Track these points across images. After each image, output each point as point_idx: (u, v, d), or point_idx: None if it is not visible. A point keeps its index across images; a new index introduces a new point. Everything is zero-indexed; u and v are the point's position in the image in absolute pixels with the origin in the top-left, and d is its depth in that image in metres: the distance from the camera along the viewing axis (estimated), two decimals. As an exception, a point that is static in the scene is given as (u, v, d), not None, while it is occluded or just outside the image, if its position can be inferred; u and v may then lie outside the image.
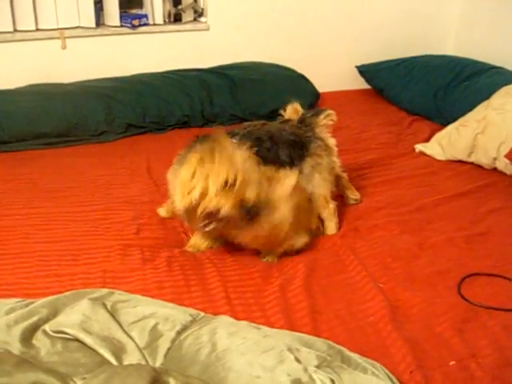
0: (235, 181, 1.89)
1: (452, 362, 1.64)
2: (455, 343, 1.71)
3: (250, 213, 1.95)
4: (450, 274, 2.05)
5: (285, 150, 2.22)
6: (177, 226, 2.34)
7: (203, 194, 1.90)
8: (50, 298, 1.70)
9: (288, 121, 2.44)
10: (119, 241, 2.22)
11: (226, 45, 3.77)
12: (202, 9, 3.78)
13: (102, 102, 3.24)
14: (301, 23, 3.89)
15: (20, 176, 2.75)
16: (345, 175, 2.55)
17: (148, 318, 1.61)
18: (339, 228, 2.36)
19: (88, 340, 1.51)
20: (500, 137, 2.76)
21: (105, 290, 1.76)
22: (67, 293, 1.74)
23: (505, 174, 2.78)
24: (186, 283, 2.00)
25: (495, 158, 2.79)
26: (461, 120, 3.05)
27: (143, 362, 1.48)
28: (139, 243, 2.22)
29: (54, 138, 3.11)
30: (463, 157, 2.93)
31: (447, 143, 2.99)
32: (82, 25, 3.52)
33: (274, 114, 3.31)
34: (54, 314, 1.62)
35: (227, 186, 1.89)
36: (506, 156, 2.71)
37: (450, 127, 3.08)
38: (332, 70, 4.01)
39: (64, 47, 3.50)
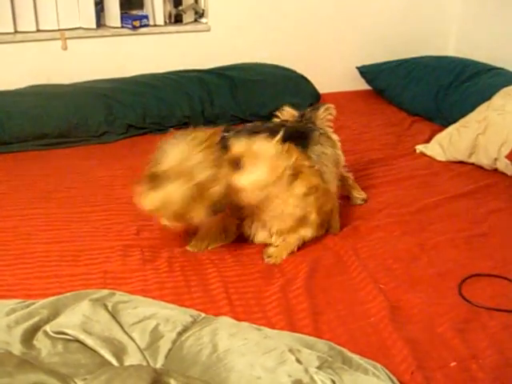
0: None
1: (453, 363, 1.64)
2: (456, 344, 1.71)
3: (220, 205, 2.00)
4: (450, 275, 2.05)
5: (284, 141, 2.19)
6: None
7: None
8: (50, 298, 1.70)
9: (288, 120, 2.45)
10: (120, 241, 2.23)
11: (226, 46, 3.77)
12: (203, 10, 3.78)
13: (103, 103, 3.24)
14: (301, 24, 3.89)
15: (20, 177, 2.75)
16: (350, 175, 2.55)
17: (149, 318, 1.61)
18: (340, 228, 2.35)
19: (89, 341, 1.51)
20: (501, 137, 2.76)
21: (105, 291, 1.76)
22: (68, 294, 1.74)
23: (505, 175, 2.78)
24: (187, 284, 2.00)
25: (496, 159, 2.79)
26: (461, 121, 3.04)
27: (144, 363, 1.48)
28: (140, 244, 2.22)
29: (54, 138, 3.11)
30: (464, 157, 2.93)
31: (448, 144, 2.99)
32: (82, 26, 3.52)
33: (274, 115, 3.33)
34: (54, 314, 1.62)
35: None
36: (507, 157, 2.71)
37: (450, 128, 3.08)
38: (332, 71, 4.01)
39: (65, 48, 3.50)
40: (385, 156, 3.04)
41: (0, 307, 1.65)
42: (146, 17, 3.62)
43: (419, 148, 3.10)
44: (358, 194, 2.55)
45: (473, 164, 2.91)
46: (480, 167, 2.88)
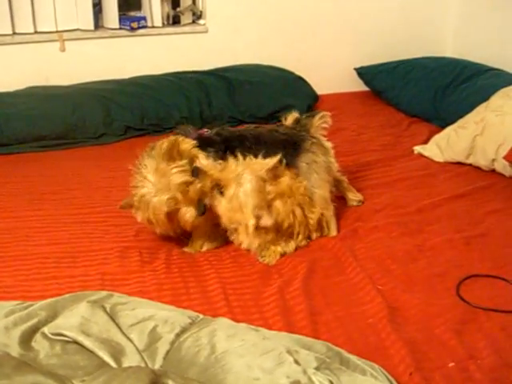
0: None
1: (451, 364, 1.64)
2: (454, 345, 1.71)
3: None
4: (448, 276, 2.05)
5: (273, 149, 2.21)
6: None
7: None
8: (48, 300, 1.70)
9: (283, 124, 2.46)
10: (118, 243, 2.23)
11: (224, 47, 3.77)
12: (201, 11, 3.78)
13: (101, 105, 3.24)
14: (299, 25, 3.89)
15: (19, 178, 2.75)
16: (344, 178, 2.55)
17: (147, 320, 1.61)
18: (338, 230, 2.36)
19: (87, 342, 1.51)
20: (498, 138, 2.76)
21: (104, 293, 1.76)
22: (66, 295, 1.74)
23: (503, 176, 2.78)
24: (185, 285, 2.00)
25: (494, 160, 2.79)
26: (459, 122, 3.05)
27: (142, 365, 1.48)
28: (137, 245, 2.22)
29: (52, 140, 3.12)
30: (462, 158, 2.93)
31: (446, 145, 2.99)
32: (80, 27, 3.52)
33: (272, 116, 3.33)
34: (53, 316, 1.62)
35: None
36: (505, 157, 2.71)
37: (448, 129, 3.09)
38: (331, 72, 4.01)
39: (63, 50, 3.50)
40: (383, 157, 3.04)
41: (-2, 309, 1.66)
42: (144, 18, 3.62)
43: (417, 149, 3.10)
44: (354, 196, 2.56)
45: (471, 165, 2.91)
46: (478, 168, 2.89)
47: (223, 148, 2.21)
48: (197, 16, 3.79)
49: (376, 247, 2.23)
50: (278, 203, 2.11)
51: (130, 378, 1.28)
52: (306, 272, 2.06)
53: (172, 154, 2.07)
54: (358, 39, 4.04)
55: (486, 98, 3.02)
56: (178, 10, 3.71)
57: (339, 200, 2.49)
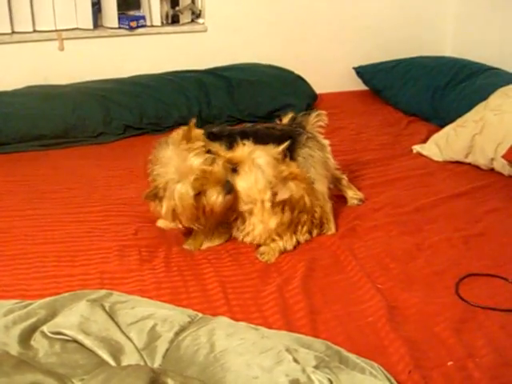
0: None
1: (450, 362, 1.64)
2: (453, 343, 1.72)
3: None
4: (447, 275, 2.05)
5: (270, 144, 2.23)
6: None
7: None
8: (48, 299, 1.70)
9: (278, 123, 2.47)
10: (117, 242, 2.23)
11: (223, 46, 3.77)
12: (200, 10, 3.78)
13: (100, 104, 3.24)
14: (298, 24, 3.89)
15: (18, 177, 2.75)
16: (344, 176, 2.55)
17: (146, 319, 1.61)
18: (337, 228, 2.36)
19: (86, 341, 1.51)
20: (497, 137, 2.76)
21: (103, 291, 1.76)
22: (65, 294, 1.74)
23: (502, 175, 2.79)
24: (184, 284, 2.00)
25: (493, 159, 2.79)
26: (458, 121, 3.05)
27: (141, 363, 1.48)
28: (137, 244, 2.22)
29: (51, 139, 3.12)
30: (461, 157, 2.94)
31: (445, 144, 3.00)
32: (79, 26, 3.52)
33: (271, 115, 3.33)
34: (52, 315, 1.62)
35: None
36: (504, 156, 2.72)
37: (447, 128, 3.09)
38: (329, 72, 4.01)
39: (62, 49, 3.50)
40: (382, 156, 3.04)
41: (-3, 308, 1.66)
42: (143, 17, 3.62)
43: (416, 148, 3.11)
44: (355, 195, 2.55)
45: (469, 164, 2.92)
46: (477, 167, 2.89)
47: (228, 142, 2.24)
48: (196, 15, 3.79)
49: (375, 246, 2.23)
50: (291, 184, 2.16)
51: (130, 377, 1.28)
52: (306, 271, 2.07)
53: (190, 136, 2.05)
54: (356, 38, 4.04)
55: (484, 97, 3.02)
56: (177, 9, 3.71)
57: (339, 199, 2.50)
